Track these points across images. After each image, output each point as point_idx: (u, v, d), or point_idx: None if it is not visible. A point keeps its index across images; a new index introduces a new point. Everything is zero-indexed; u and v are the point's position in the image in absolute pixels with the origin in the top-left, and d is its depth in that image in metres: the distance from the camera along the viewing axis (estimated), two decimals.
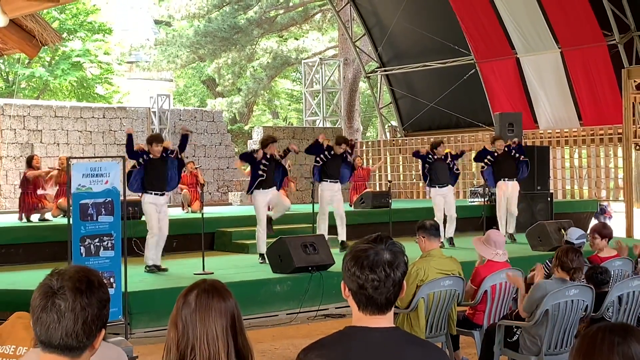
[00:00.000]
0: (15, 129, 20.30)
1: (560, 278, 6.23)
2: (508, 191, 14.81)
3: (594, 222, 17.98)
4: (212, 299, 2.72)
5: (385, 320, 2.61)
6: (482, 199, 16.77)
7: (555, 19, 19.56)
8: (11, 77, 32.27)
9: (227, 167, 24.07)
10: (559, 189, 20.69)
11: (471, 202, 18.48)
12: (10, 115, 20.28)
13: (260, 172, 11.70)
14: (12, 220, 14.71)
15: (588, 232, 8.08)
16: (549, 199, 17.02)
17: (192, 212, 16.51)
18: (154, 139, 11.12)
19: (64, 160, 14.83)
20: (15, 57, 28.83)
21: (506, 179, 14.80)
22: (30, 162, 14.64)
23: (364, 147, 25.03)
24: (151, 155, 10.89)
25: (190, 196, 16.88)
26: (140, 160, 10.85)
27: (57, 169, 14.96)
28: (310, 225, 13.40)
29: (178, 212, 16.54)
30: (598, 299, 6.49)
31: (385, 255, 2.57)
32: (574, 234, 7.85)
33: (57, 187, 14.85)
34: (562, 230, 8.26)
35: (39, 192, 14.38)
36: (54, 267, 2.51)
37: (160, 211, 10.96)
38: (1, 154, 20.02)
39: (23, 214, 14.24)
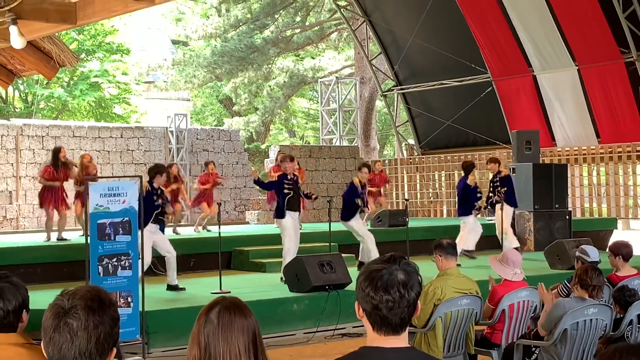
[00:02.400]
0: (34, 149, 20.44)
1: (579, 297, 6.18)
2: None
3: (611, 239, 17.89)
4: (234, 316, 2.71)
5: (400, 341, 2.59)
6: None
7: (571, 36, 19.53)
8: (30, 98, 32.54)
9: (244, 186, 24.11)
10: (578, 207, 20.59)
11: (489, 220, 18.39)
12: (29, 136, 20.43)
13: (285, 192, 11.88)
14: (31, 239, 14.77)
15: (607, 249, 7.99)
16: (567, 217, 16.93)
17: (210, 216, 16.50)
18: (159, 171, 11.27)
19: (88, 158, 14.85)
20: (34, 78, 29.10)
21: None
22: (57, 155, 14.25)
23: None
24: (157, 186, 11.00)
25: (208, 211, 16.70)
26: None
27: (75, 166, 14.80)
28: (327, 244, 13.39)
29: (191, 232, 16.56)
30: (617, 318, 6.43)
31: (399, 275, 2.56)
32: (592, 253, 7.78)
33: (76, 189, 14.75)
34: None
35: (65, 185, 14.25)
36: (73, 286, 2.52)
37: (154, 237, 10.86)
38: (20, 173, 20.15)
39: (48, 207, 14.12)
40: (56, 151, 14.42)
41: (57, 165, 14.20)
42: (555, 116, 20.80)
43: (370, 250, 12.97)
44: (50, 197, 14.13)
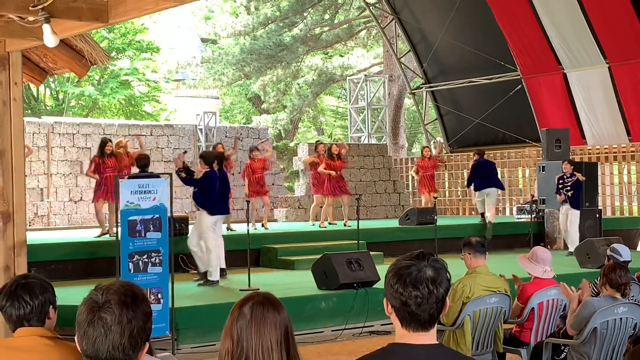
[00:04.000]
0: (64, 147, 20.64)
1: (609, 296, 6.15)
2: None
3: None
4: (267, 311, 2.75)
5: (428, 337, 2.61)
6: (529, 216, 16.63)
7: (602, 34, 19.37)
8: (61, 96, 32.83)
9: (272, 184, 24.17)
10: (608, 206, 20.42)
11: (518, 218, 18.32)
12: (60, 133, 20.64)
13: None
14: (61, 236, 14.91)
15: None
16: (597, 215, 16.80)
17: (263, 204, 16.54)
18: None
19: (125, 144, 14.67)
20: (65, 76, 29.34)
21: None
22: (103, 147, 14.12)
23: (409, 164, 24.99)
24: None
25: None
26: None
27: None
28: (355, 241, 13.40)
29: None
30: None
31: (428, 271, 2.58)
32: (623, 252, 7.73)
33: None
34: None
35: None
36: (104, 283, 2.56)
37: None
38: (51, 171, 20.35)
39: (101, 199, 14.00)
40: (103, 143, 14.28)
41: (104, 156, 14.13)
42: (586, 114, 20.63)
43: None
44: (101, 189, 14.08)
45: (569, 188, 15.19)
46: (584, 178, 15.35)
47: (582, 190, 15.49)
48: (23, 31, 6.71)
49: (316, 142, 18.76)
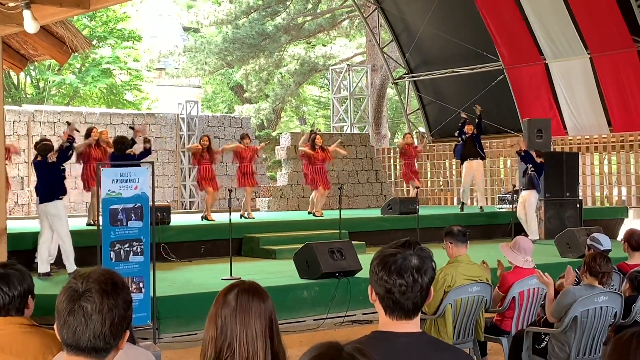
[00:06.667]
0: (45, 135, 20.48)
1: (589, 284, 6.18)
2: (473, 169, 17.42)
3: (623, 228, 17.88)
4: (252, 300, 2.74)
5: (411, 326, 2.61)
6: (510, 206, 16.69)
7: (584, 25, 19.44)
8: (42, 84, 32.60)
9: (255, 173, 24.12)
10: (589, 196, 20.54)
11: (499, 208, 18.39)
12: (40, 122, 20.50)
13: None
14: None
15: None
16: (578, 205, 16.89)
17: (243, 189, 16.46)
18: None
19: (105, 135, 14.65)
20: (45, 64, 29.14)
21: (471, 158, 17.38)
22: (89, 134, 14.07)
23: (391, 154, 25.00)
24: None
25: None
26: None
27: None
28: (337, 231, 13.41)
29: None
30: (627, 304, 6.42)
31: (413, 260, 2.58)
32: (604, 242, 7.76)
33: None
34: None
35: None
36: (84, 271, 2.53)
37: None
38: (32, 159, 20.21)
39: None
40: (89, 130, 14.20)
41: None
42: (567, 104, 20.72)
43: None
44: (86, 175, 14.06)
45: (532, 169, 15.23)
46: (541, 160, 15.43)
47: (542, 173, 15.51)
48: (3, 17, 6.66)
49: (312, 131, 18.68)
